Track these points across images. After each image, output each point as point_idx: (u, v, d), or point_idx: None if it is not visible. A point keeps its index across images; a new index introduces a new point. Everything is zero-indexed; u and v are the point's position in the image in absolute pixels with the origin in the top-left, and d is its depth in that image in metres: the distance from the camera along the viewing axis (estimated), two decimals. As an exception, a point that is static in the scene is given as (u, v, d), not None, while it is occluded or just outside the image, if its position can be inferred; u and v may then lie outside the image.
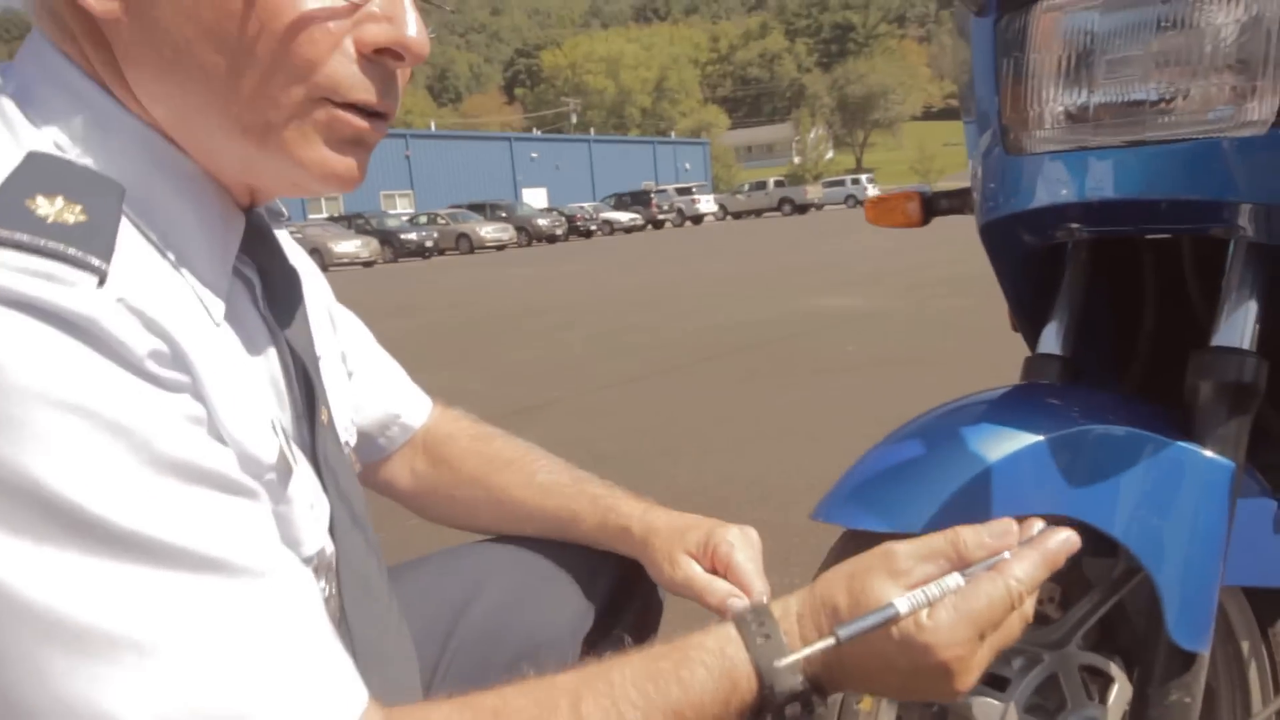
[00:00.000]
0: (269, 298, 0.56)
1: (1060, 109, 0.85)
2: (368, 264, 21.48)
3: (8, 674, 0.38)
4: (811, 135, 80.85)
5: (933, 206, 1.12)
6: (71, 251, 0.41)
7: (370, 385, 0.80)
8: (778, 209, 36.61)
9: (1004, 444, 0.82)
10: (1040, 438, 0.82)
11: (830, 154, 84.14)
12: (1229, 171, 0.77)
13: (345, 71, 0.49)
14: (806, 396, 3.80)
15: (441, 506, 0.85)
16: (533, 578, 0.84)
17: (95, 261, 0.41)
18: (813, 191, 37.56)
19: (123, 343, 0.41)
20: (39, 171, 0.44)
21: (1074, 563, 1.03)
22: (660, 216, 32.82)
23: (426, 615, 0.77)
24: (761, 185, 38.04)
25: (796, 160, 78.44)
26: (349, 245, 21.27)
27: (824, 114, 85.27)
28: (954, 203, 1.11)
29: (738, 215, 37.53)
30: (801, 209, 36.05)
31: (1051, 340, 1.00)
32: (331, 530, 0.59)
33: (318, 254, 18.30)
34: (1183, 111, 0.78)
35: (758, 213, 37.29)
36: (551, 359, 5.38)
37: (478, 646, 0.80)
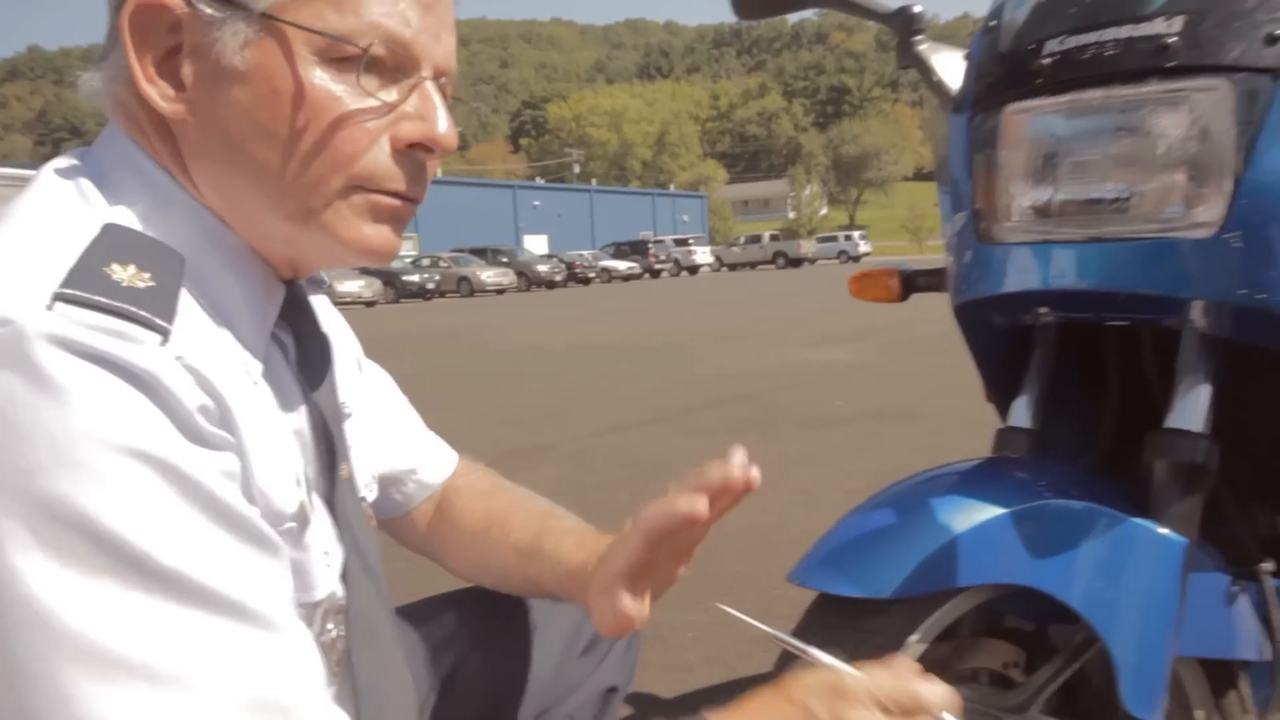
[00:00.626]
0: (301, 360, 0.62)
1: (1027, 203, 0.91)
2: (370, 303, 22.02)
3: (32, 693, 0.42)
4: (806, 192, 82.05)
5: (911, 284, 1.19)
6: (141, 313, 0.47)
7: (390, 438, 0.84)
8: (772, 262, 37.04)
9: (971, 515, 0.87)
10: (1005, 510, 0.86)
11: (824, 210, 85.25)
12: (1180, 269, 0.83)
13: (381, 164, 0.56)
14: (794, 449, 3.84)
15: (449, 560, 0.88)
16: (514, 630, 0.88)
17: (160, 322, 0.47)
18: (806, 246, 38.05)
19: (178, 398, 0.46)
20: (114, 242, 0.50)
21: (1040, 629, 1.08)
22: (657, 266, 33.15)
23: (418, 659, 0.81)
24: (756, 238, 38.55)
25: (791, 215, 79.46)
26: (353, 285, 21.96)
27: (819, 171, 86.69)
28: (931, 281, 1.18)
29: (733, 267, 37.92)
30: (795, 262, 36.48)
31: (1021, 414, 1.06)
32: (344, 577, 0.63)
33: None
34: (1137, 211, 0.85)
35: (752, 265, 37.70)
36: (544, 404, 5.42)
37: (464, 694, 0.83)
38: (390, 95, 0.55)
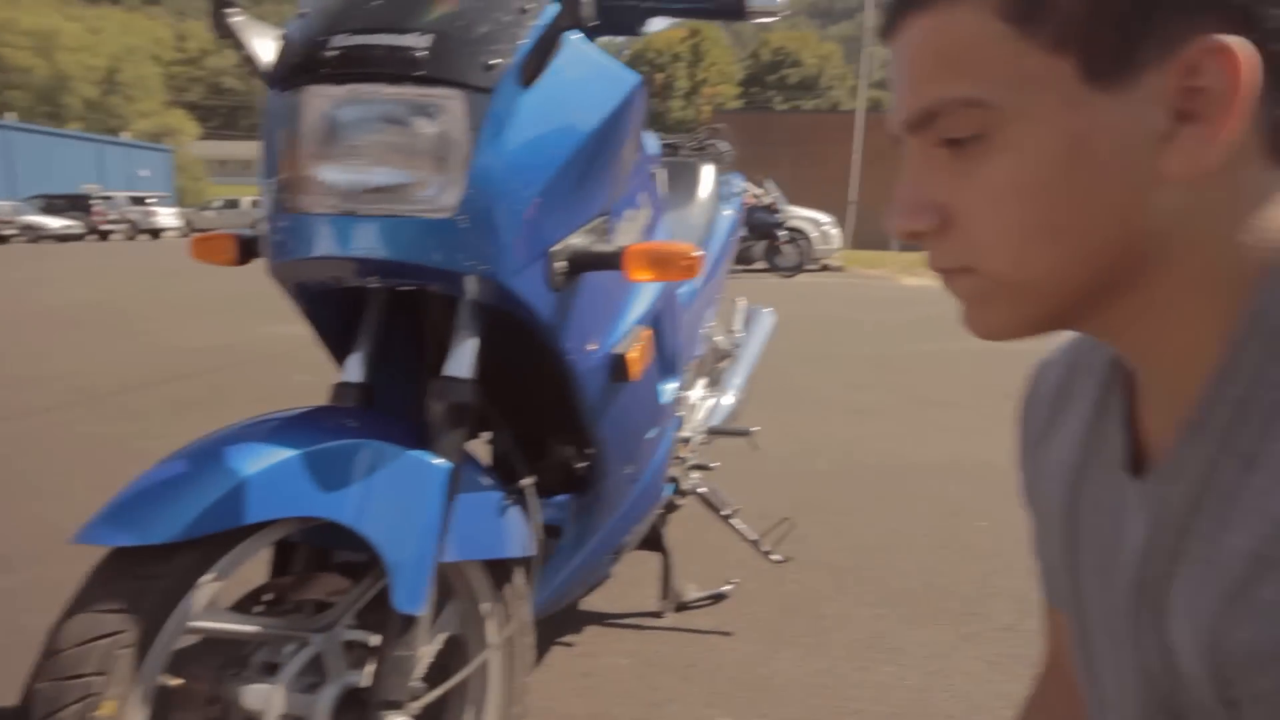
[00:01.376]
0: None
1: (320, 178, 1.02)
2: None
3: None
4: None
5: (250, 249, 1.24)
6: None
7: None
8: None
9: (273, 456, 0.95)
10: (301, 450, 0.97)
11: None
12: (434, 244, 1.02)
13: None
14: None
15: None
16: None
17: None
18: (293, 215, 35.85)
19: None
20: None
21: (370, 561, 1.22)
22: (106, 226, 28.30)
23: None
24: (235, 203, 35.20)
25: (278, 181, 74.11)
26: None
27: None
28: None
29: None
30: (281, 232, 34.19)
31: (354, 370, 1.19)
32: None
33: None
34: (404, 193, 1.01)
35: (230, 232, 34.39)
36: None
37: None
38: None
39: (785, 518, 2.03)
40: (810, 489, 2.89)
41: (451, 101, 0.98)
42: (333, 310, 1.22)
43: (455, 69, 0.98)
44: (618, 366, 1.25)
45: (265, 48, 1.09)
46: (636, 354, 1.27)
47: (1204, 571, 0.45)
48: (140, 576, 0.87)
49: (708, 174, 2.23)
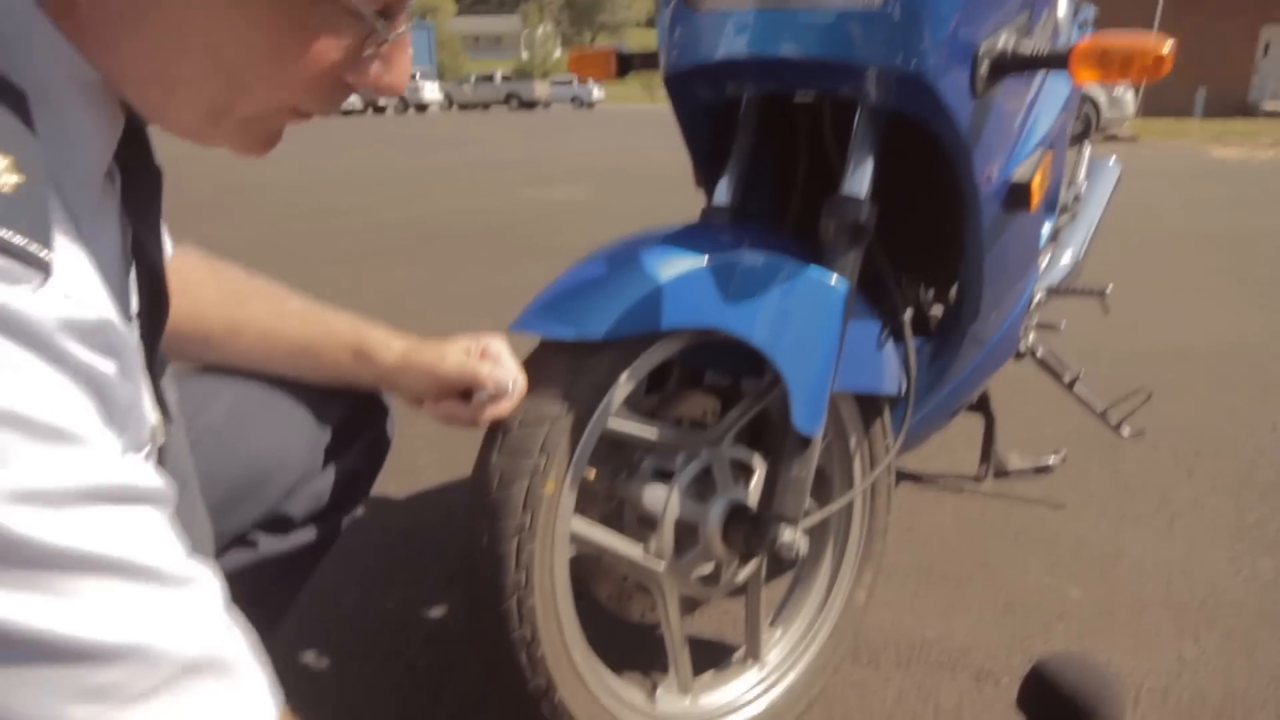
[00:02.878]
0: (128, 193, 0.53)
1: None
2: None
3: None
4: (540, 31, 79.17)
5: (627, 63, 1.22)
6: (16, 241, 0.37)
7: None
8: (505, 103, 35.76)
9: (674, 266, 0.94)
10: (704, 263, 0.95)
11: (558, 52, 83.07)
12: (854, 37, 0.93)
13: (327, 96, 0.50)
14: (524, 280, 3.89)
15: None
16: (257, 405, 0.85)
17: (40, 254, 0.38)
18: (541, 89, 37.02)
19: (71, 358, 0.39)
20: None
21: (733, 384, 1.22)
22: (382, 102, 30.76)
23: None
24: (489, 77, 36.81)
25: (524, 55, 76.57)
26: None
27: (552, 10, 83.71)
28: (645, 60, 1.21)
29: (464, 106, 36.15)
30: (529, 105, 35.50)
31: (723, 194, 1.15)
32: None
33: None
34: None
35: (485, 105, 36.17)
36: (267, 238, 4.98)
37: (203, 465, 0.80)
38: (378, 24, 0.48)
39: (1140, 388, 1.82)
40: (1135, 370, 2.61)
41: None
42: (709, 126, 1.18)
43: None
44: (1018, 194, 1.12)
45: None
46: (1038, 181, 1.13)
47: None
48: (574, 369, 0.90)
49: (1064, -2, 1.94)
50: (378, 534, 1.65)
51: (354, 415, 0.91)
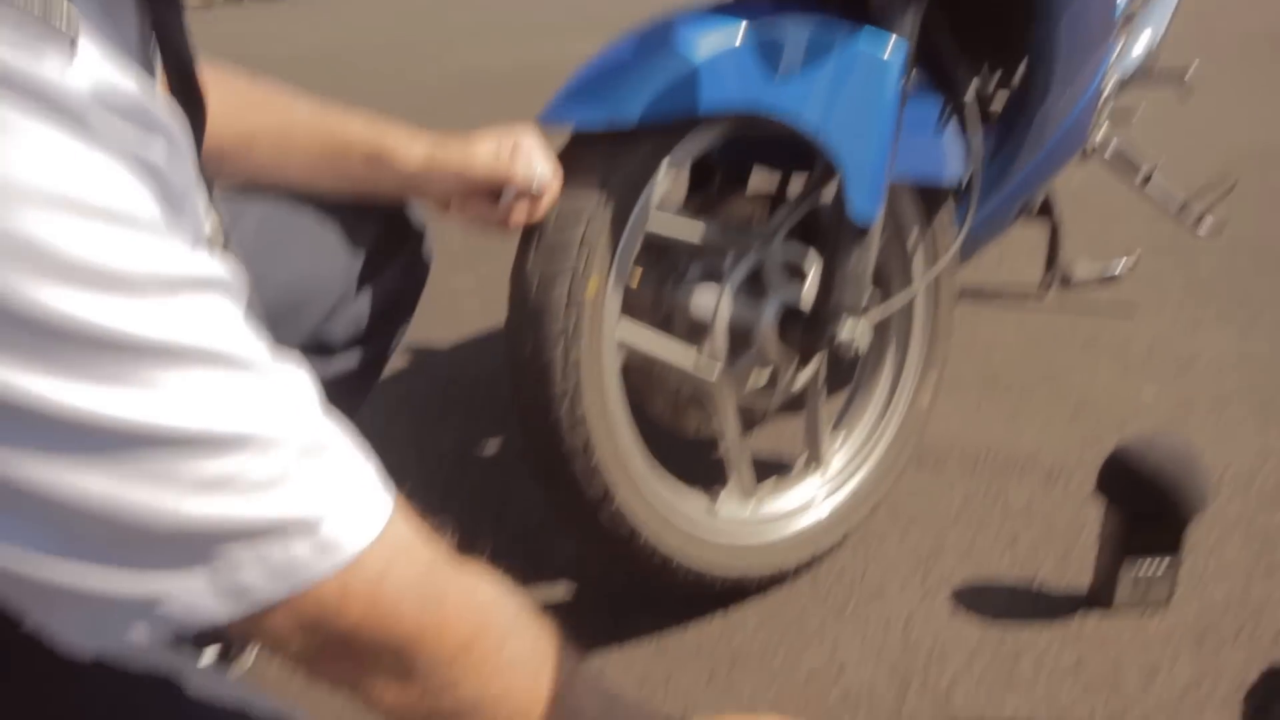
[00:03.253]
0: None
1: None
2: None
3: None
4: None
5: None
6: (34, 9, 0.32)
7: None
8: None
9: (713, 42, 0.85)
10: (744, 38, 0.85)
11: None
12: None
13: None
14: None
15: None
16: (286, 227, 0.81)
17: (63, 26, 0.33)
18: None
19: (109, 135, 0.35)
20: None
21: (783, 182, 1.14)
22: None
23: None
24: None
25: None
26: None
27: None
28: None
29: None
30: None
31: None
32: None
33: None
34: None
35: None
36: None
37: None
38: None
39: (1223, 177, 1.68)
40: (1212, 164, 2.43)
41: None
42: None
43: None
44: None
45: None
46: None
47: None
48: (610, 160, 0.83)
49: None
50: (425, 382, 1.64)
51: (389, 236, 0.87)
